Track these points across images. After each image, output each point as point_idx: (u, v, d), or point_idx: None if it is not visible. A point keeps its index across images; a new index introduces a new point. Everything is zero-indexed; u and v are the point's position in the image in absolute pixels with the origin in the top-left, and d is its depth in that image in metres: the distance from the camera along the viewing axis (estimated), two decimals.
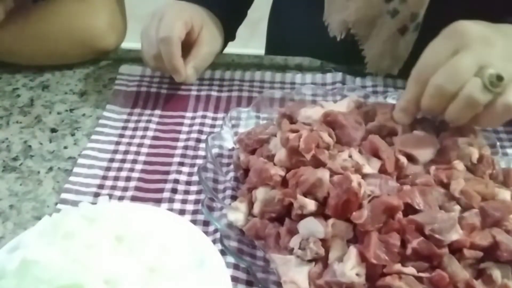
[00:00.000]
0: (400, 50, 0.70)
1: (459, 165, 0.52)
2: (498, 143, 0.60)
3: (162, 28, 0.67)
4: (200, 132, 0.66)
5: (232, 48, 0.80)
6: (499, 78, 0.49)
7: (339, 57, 0.76)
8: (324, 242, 0.47)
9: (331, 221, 0.47)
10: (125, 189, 0.59)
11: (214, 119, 0.68)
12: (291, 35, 0.85)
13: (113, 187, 0.59)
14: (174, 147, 0.64)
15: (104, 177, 0.60)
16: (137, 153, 0.63)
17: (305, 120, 0.57)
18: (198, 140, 0.65)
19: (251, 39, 0.96)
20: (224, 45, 0.78)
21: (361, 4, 0.69)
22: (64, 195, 0.58)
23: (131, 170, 0.61)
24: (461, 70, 0.50)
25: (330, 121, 0.55)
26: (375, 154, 0.52)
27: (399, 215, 0.46)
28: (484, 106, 0.50)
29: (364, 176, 0.49)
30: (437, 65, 0.51)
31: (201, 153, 0.63)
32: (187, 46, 0.70)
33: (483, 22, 0.54)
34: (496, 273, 0.45)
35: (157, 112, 0.69)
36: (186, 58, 0.70)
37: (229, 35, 0.78)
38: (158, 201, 0.57)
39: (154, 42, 0.68)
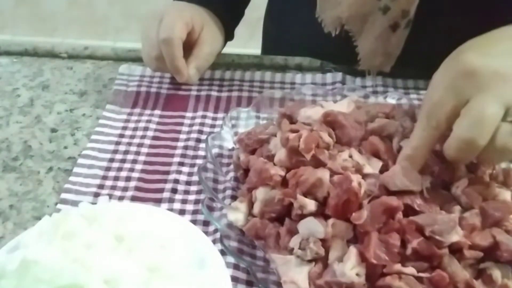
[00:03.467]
0: (392, 46, 0.71)
1: (461, 165, 0.52)
2: None
3: (162, 29, 0.67)
4: (200, 132, 0.66)
5: (232, 48, 0.80)
6: None
7: (336, 56, 0.76)
8: (324, 242, 0.47)
9: (331, 221, 0.47)
10: (125, 189, 0.59)
11: (214, 119, 0.68)
12: (286, 33, 0.85)
13: (113, 187, 0.59)
14: (174, 147, 0.64)
15: (104, 177, 0.60)
16: (137, 153, 0.63)
17: (305, 120, 0.57)
18: (198, 140, 0.65)
19: (251, 39, 0.96)
20: (223, 44, 0.78)
21: (353, 0, 0.69)
22: (64, 195, 0.58)
23: (131, 170, 0.61)
24: (488, 118, 0.44)
25: (330, 121, 0.55)
26: (375, 154, 0.52)
27: (399, 215, 0.46)
28: None
29: (364, 176, 0.49)
30: (451, 110, 0.46)
31: (201, 153, 0.63)
32: (188, 46, 0.70)
33: (487, 44, 0.50)
34: (496, 273, 0.45)
35: (157, 112, 0.69)
36: (187, 59, 0.70)
37: (228, 35, 0.78)
38: (158, 201, 0.57)
39: (155, 43, 0.68)
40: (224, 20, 0.76)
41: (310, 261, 0.47)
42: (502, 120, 0.45)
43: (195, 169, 0.60)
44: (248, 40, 0.95)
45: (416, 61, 0.66)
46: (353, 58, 0.73)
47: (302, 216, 0.48)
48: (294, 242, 0.47)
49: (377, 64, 0.73)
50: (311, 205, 0.48)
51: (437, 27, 0.68)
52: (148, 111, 0.69)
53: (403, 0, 0.67)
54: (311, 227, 0.47)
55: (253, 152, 0.57)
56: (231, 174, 0.59)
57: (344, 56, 0.74)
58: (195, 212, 0.56)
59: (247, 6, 0.84)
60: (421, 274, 0.44)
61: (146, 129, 0.66)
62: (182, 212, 0.56)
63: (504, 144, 0.45)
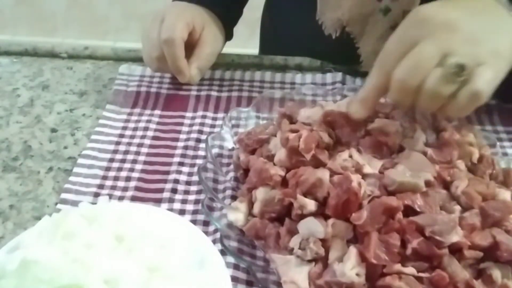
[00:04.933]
0: None
1: (461, 164, 0.52)
2: (498, 143, 0.60)
3: (164, 30, 0.67)
4: (200, 132, 0.66)
5: (232, 48, 0.80)
6: (461, 67, 0.47)
7: (333, 56, 0.76)
8: (324, 242, 0.47)
9: (331, 221, 0.47)
10: (125, 189, 0.58)
11: (214, 119, 0.68)
12: (284, 34, 0.85)
13: (113, 187, 0.59)
14: (174, 147, 0.64)
15: (104, 177, 0.60)
16: (137, 153, 0.63)
17: (305, 120, 0.57)
18: (198, 140, 0.65)
19: (251, 39, 0.96)
20: (223, 44, 0.78)
21: (354, 2, 0.69)
22: (64, 195, 0.58)
23: (131, 170, 0.61)
24: (423, 61, 0.48)
25: (330, 121, 0.55)
26: (376, 148, 0.52)
27: (399, 215, 0.46)
28: (450, 96, 0.48)
29: (364, 176, 0.50)
30: (399, 56, 0.49)
31: (201, 153, 0.63)
32: (189, 46, 0.70)
33: (447, 2, 0.52)
34: (496, 273, 0.45)
35: (157, 112, 0.69)
36: (188, 59, 0.70)
37: (227, 34, 0.78)
38: (158, 201, 0.57)
39: (157, 43, 0.68)
40: (223, 19, 0.76)
41: (310, 261, 0.46)
42: (437, 66, 0.47)
43: (195, 169, 0.60)
44: (248, 40, 0.95)
45: None
46: (353, 59, 0.73)
47: (302, 216, 0.48)
48: (294, 242, 0.47)
49: None
50: (311, 205, 0.48)
51: None
52: (148, 111, 0.69)
53: (404, 0, 0.67)
54: (311, 227, 0.47)
55: (253, 152, 0.57)
56: (231, 174, 0.59)
57: (343, 57, 0.74)
58: (195, 212, 0.56)
59: (245, 5, 0.84)
60: (421, 274, 0.44)
61: (146, 129, 0.66)
62: (182, 212, 0.56)
63: (432, 87, 0.47)
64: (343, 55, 0.73)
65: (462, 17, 0.50)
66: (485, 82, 0.47)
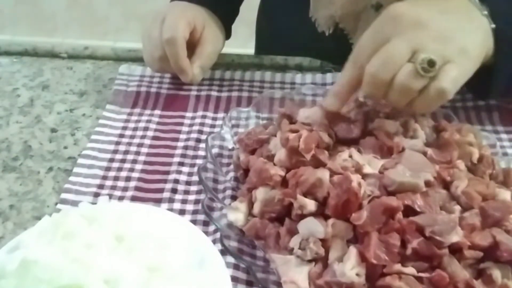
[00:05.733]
0: None
1: (461, 164, 0.52)
2: (498, 143, 0.60)
3: (165, 29, 0.67)
4: (200, 132, 0.66)
5: (232, 48, 0.80)
6: (431, 62, 0.48)
7: (328, 53, 0.77)
8: (324, 242, 0.47)
9: (331, 221, 0.47)
10: (125, 189, 0.58)
11: (214, 119, 0.68)
12: (280, 32, 0.85)
13: (113, 187, 0.59)
14: (174, 147, 0.64)
15: (104, 177, 0.60)
16: (137, 153, 0.63)
17: (304, 120, 0.57)
18: (198, 140, 0.65)
19: (251, 39, 0.96)
20: (224, 43, 0.78)
21: None
22: (64, 195, 0.58)
23: (131, 170, 0.61)
24: (394, 57, 0.49)
25: (330, 120, 0.55)
26: (376, 148, 0.52)
27: (399, 215, 0.46)
28: (419, 91, 0.49)
29: (364, 176, 0.49)
30: (372, 51, 0.51)
31: (201, 153, 0.63)
32: (191, 46, 0.70)
33: (419, 1, 0.53)
34: (496, 273, 0.45)
35: (157, 112, 0.69)
36: (190, 58, 0.70)
37: (227, 33, 0.78)
38: (158, 201, 0.57)
39: (159, 44, 0.68)
40: (222, 18, 0.77)
41: (310, 261, 0.46)
42: (408, 61, 0.49)
43: (195, 169, 0.60)
44: (248, 40, 0.95)
45: None
46: (348, 56, 0.73)
47: (302, 216, 0.48)
48: (294, 242, 0.47)
49: None
50: (311, 205, 0.48)
51: None
52: (148, 111, 0.69)
53: None
54: (311, 227, 0.47)
55: (253, 152, 0.57)
56: (231, 174, 0.59)
57: (338, 55, 0.74)
58: (195, 212, 0.56)
59: (241, 4, 0.84)
60: (421, 274, 0.44)
61: (146, 129, 0.66)
62: (182, 212, 0.56)
63: (403, 81, 0.49)
64: (338, 52, 0.73)
65: (432, 16, 0.51)
66: (451, 80, 0.49)
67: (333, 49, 0.73)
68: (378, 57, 0.50)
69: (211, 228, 0.54)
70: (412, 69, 0.49)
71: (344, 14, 0.70)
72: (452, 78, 0.49)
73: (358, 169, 0.50)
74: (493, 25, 0.55)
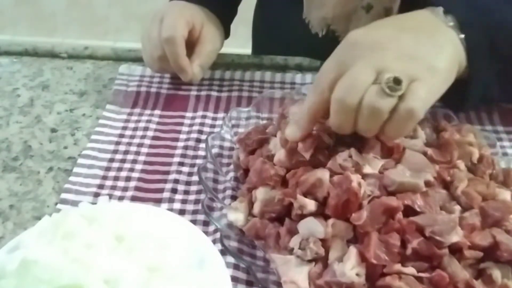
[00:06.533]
0: None
1: (461, 164, 0.52)
2: (498, 143, 0.60)
3: (164, 29, 0.67)
4: (200, 132, 0.66)
5: (232, 48, 0.80)
6: (396, 80, 0.46)
7: (323, 54, 0.76)
8: (324, 242, 0.47)
9: (331, 221, 0.47)
10: (125, 189, 0.58)
11: (214, 119, 0.68)
12: (276, 33, 0.85)
13: (113, 187, 0.59)
14: (174, 147, 0.64)
15: (104, 177, 0.60)
16: (137, 153, 0.63)
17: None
18: (198, 140, 0.65)
19: (250, 39, 0.96)
20: (223, 42, 0.78)
21: (337, 0, 0.69)
22: (64, 195, 0.58)
23: (131, 170, 0.61)
24: (359, 80, 0.47)
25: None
26: (376, 148, 0.52)
27: (399, 215, 0.46)
28: (389, 113, 0.47)
29: (364, 176, 0.50)
30: (334, 78, 0.49)
31: (201, 153, 0.63)
32: (190, 45, 0.70)
33: (379, 23, 0.54)
34: (496, 273, 0.45)
35: (157, 112, 0.69)
36: (190, 57, 0.70)
37: (225, 32, 0.79)
38: (158, 201, 0.57)
39: (158, 43, 0.68)
40: (221, 17, 0.77)
41: (310, 261, 0.46)
42: (373, 83, 0.47)
43: (195, 169, 0.60)
44: (248, 40, 0.95)
45: None
46: None
47: (302, 216, 0.48)
48: (294, 242, 0.47)
49: None
50: (311, 205, 0.48)
51: None
52: (148, 111, 0.69)
53: None
54: (311, 227, 0.47)
55: (253, 152, 0.57)
56: (231, 174, 0.59)
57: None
58: (195, 212, 0.56)
59: (239, 3, 0.85)
60: (421, 274, 0.44)
61: (146, 129, 0.66)
62: (182, 212, 0.56)
63: (371, 103, 0.47)
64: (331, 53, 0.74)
65: (392, 36, 0.51)
66: (419, 98, 0.47)
67: (327, 51, 0.73)
68: (342, 83, 0.48)
69: (211, 228, 0.54)
70: (378, 89, 0.46)
71: (335, 16, 0.71)
72: (420, 96, 0.47)
73: (358, 169, 0.50)
74: (462, 35, 0.53)
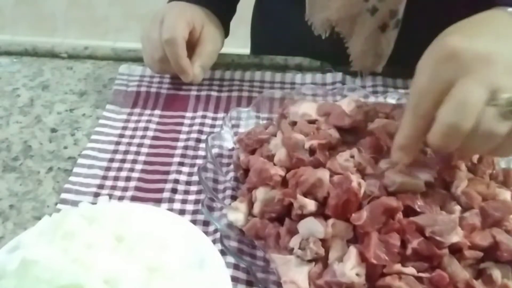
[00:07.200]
0: (382, 47, 0.71)
1: (461, 164, 0.52)
2: None
3: (165, 30, 0.67)
4: (200, 132, 0.66)
5: (232, 48, 0.80)
6: None
7: (324, 56, 0.77)
8: (324, 242, 0.47)
9: (331, 221, 0.47)
10: (125, 189, 0.58)
11: (214, 119, 0.68)
12: (275, 33, 0.85)
13: (113, 187, 0.59)
14: (174, 147, 0.64)
15: (104, 177, 0.60)
16: (137, 153, 0.63)
17: (299, 118, 0.57)
18: (198, 140, 0.65)
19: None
20: (223, 42, 0.78)
21: (342, 3, 0.69)
22: (64, 195, 0.58)
23: (131, 170, 0.61)
24: (471, 101, 0.43)
25: (325, 113, 0.55)
26: (376, 148, 0.52)
27: (399, 215, 0.46)
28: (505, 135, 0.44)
29: (365, 176, 0.49)
30: (437, 96, 0.44)
31: (201, 153, 0.63)
32: (190, 45, 0.70)
33: (469, 27, 0.48)
34: (496, 273, 0.45)
35: (157, 112, 0.69)
36: (190, 58, 0.70)
37: (225, 31, 0.79)
38: (158, 201, 0.57)
39: (159, 45, 0.68)
40: (221, 17, 0.77)
41: (310, 261, 0.47)
42: (487, 104, 0.43)
43: (195, 169, 0.60)
44: (248, 40, 0.95)
45: (408, 60, 0.66)
46: (343, 59, 0.73)
47: (302, 216, 0.48)
48: (294, 242, 0.47)
49: (368, 64, 0.73)
50: (311, 205, 0.48)
51: (427, 26, 0.68)
52: (148, 111, 0.69)
53: (391, 0, 0.67)
54: (311, 227, 0.47)
55: (253, 152, 0.57)
56: (231, 174, 0.59)
57: (334, 57, 0.74)
58: (195, 212, 0.56)
59: (238, 2, 0.84)
60: (421, 274, 0.44)
61: (146, 129, 0.66)
62: (182, 212, 0.56)
63: (489, 128, 0.43)
64: (333, 55, 0.74)
65: (493, 46, 0.45)
66: None
67: (329, 52, 0.73)
68: (452, 104, 0.43)
69: (211, 228, 0.54)
70: (496, 112, 0.43)
71: (339, 18, 0.70)
72: None
73: (360, 169, 0.50)
74: None
